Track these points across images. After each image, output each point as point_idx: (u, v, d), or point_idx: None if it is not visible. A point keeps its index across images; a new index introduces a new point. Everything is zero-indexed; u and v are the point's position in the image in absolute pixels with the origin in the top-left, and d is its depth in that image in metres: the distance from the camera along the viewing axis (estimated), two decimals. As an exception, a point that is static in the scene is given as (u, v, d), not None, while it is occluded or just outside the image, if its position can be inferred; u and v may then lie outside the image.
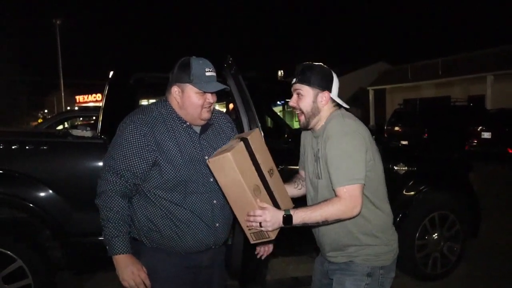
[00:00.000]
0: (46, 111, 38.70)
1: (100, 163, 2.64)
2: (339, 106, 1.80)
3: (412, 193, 3.46)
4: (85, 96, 32.62)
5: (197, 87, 1.70)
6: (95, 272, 3.60)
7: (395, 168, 3.43)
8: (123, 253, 1.66)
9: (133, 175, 1.67)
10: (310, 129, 1.84)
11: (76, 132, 3.01)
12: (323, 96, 1.74)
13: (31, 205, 2.59)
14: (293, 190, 1.98)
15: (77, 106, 30.50)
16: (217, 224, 1.79)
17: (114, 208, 1.66)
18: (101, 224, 1.68)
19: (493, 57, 18.08)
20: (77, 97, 32.96)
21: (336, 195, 1.63)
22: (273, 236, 1.65)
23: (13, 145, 2.65)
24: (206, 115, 1.76)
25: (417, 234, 3.44)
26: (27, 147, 2.66)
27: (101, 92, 3.56)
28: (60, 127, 7.67)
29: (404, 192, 3.45)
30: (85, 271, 3.26)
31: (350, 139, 1.63)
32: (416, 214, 3.45)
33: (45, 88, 35.53)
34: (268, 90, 3.71)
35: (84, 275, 3.61)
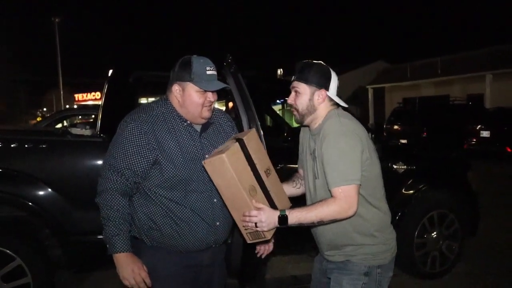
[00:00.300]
0: (45, 109, 38.64)
1: (100, 162, 2.64)
2: (337, 105, 1.80)
3: (411, 192, 3.47)
4: (84, 95, 32.56)
5: (198, 85, 1.70)
6: (94, 270, 3.60)
7: (394, 167, 3.44)
8: (123, 252, 1.66)
9: (133, 174, 1.67)
10: (306, 126, 1.84)
11: (75, 131, 3.01)
12: (320, 94, 1.74)
13: (30, 203, 2.59)
14: (292, 189, 1.99)
15: (76, 104, 30.45)
16: (217, 223, 1.79)
17: (115, 207, 1.66)
18: (102, 222, 1.68)
19: (492, 56, 18.10)
20: (76, 95, 32.90)
21: (331, 196, 1.63)
22: (269, 236, 1.66)
23: (12, 144, 2.64)
24: (206, 113, 1.76)
25: (416, 233, 3.44)
26: (26, 146, 2.65)
27: (100, 90, 3.55)
28: (59, 125, 7.68)
29: (403, 191, 3.46)
30: (84, 269, 3.26)
31: (346, 139, 1.63)
32: (415, 213, 3.45)
33: (44, 87, 35.49)
34: (267, 89, 3.71)
35: (84, 273, 3.61)
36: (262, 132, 2.56)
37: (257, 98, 2.83)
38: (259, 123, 2.60)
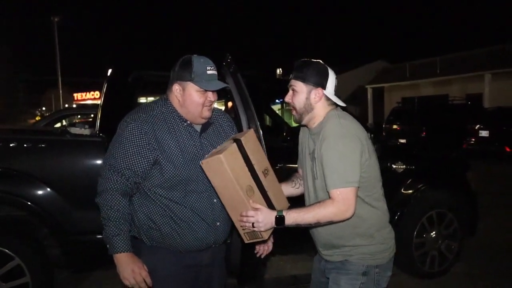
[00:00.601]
0: (44, 108, 38.59)
1: (98, 161, 2.64)
2: (335, 104, 1.79)
3: (410, 191, 3.47)
4: (83, 94, 32.53)
5: (198, 85, 1.70)
6: (93, 270, 3.60)
7: (393, 166, 3.44)
8: (124, 252, 1.65)
9: (134, 174, 1.66)
10: (305, 125, 1.85)
11: (74, 130, 3.00)
12: (316, 93, 1.74)
13: (29, 203, 2.59)
14: (291, 189, 1.99)
15: (75, 103, 30.43)
16: (217, 223, 1.79)
17: (115, 207, 1.66)
18: (102, 222, 1.68)
19: (491, 56, 18.13)
20: (75, 94, 32.87)
21: (329, 197, 1.63)
22: (266, 236, 1.67)
23: (11, 143, 2.64)
24: (207, 113, 1.76)
25: (415, 232, 3.45)
26: (25, 145, 2.65)
27: (100, 89, 3.55)
28: (58, 125, 7.66)
29: (402, 191, 3.46)
30: (83, 269, 3.26)
31: (346, 141, 1.63)
32: (414, 213, 3.46)
33: (43, 86, 35.45)
34: (267, 89, 3.71)
35: (82, 273, 3.61)
36: (261, 132, 2.56)
37: (257, 97, 2.83)
38: (258, 123, 2.60)
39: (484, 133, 11.17)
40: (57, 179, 2.64)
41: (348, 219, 1.63)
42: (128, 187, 1.68)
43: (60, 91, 23.93)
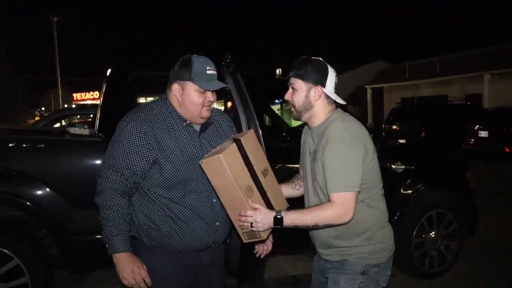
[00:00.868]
0: (43, 108, 38.55)
1: (98, 161, 2.64)
2: (335, 102, 1.79)
3: (410, 191, 3.47)
4: (83, 94, 32.51)
5: (197, 85, 1.70)
6: (92, 270, 3.60)
7: (393, 166, 3.44)
8: (123, 252, 1.65)
9: (133, 174, 1.66)
10: (306, 124, 1.84)
11: (74, 130, 2.99)
12: (316, 91, 1.73)
13: (28, 203, 2.58)
14: (291, 190, 1.98)
15: (75, 103, 30.40)
16: (217, 223, 1.79)
17: (114, 207, 1.65)
18: (101, 222, 1.67)
19: (490, 56, 18.15)
20: (74, 94, 32.84)
21: (329, 200, 1.63)
22: (264, 236, 1.68)
23: (10, 143, 2.64)
24: (206, 113, 1.76)
25: (415, 233, 3.45)
26: (24, 145, 2.64)
27: (99, 89, 3.54)
28: (58, 125, 7.65)
29: (401, 191, 3.46)
30: (82, 269, 3.25)
31: (349, 145, 1.63)
32: (413, 213, 3.45)
33: (43, 86, 35.41)
34: (266, 89, 3.71)
35: (82, 273, 3.60)
36: (260, 132, 2.56)
37: (256, 97, 2.83)
38: (257, 123, 2.60)
39: (483, 134, 11.17)
40: (56, 179, 2.63)
41: (346, 223, 1.64)
42: (127, 186, 1.68)
43: (60, 91, 23.91)
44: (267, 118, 5.27)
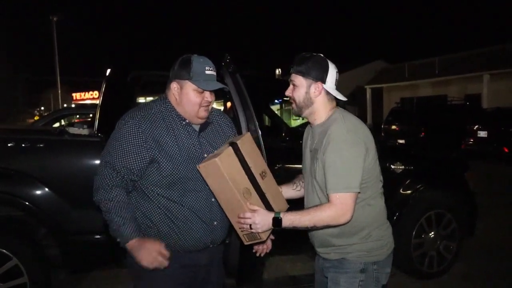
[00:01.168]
0: (42, 108, 38.51)
1: (97, 161, 2.63)
2: (336, 99, 1.78)
3: (409, 192, 3.47)
4: (82, 94, 32.49)
5: (196, 84, 1.70)
6: (91, 270, 3.60)
7: (392, 167, 3.44)
8: (132, 239, 1.64)
9: (129, 172, 1.66)
10: (308, 123, 1.84)
11: (73, 130, 2.99)
12: (316, 87, 1.73)
13: (27, 203, 2.58)
14: (291, 191, 1.98)
15: (74, 103, 30.39)
16: (215, 223, 1.79)
17: (114, 198, 1.65)
18: (105, 218, 1.67)
19: (489, 56, 18.16)
20: (74, 94, 32.83)
21: (328, 200, 1.64)
22: (264, 237, 1.69)
23: (9, 143, 2.63)
24: (203, 113, 1.76)
25: (414, 233, 3.45)
26: (23, 145, 2.64)
27: (98, 89, 3.54)
28: (57, 124, 7.65)
29: (401, 191, 3.46)
30: (81, 269, 3.25)
31: (350, 146, 1.63)
32: (412, 213, 3.45)
33: (42, 85, 35.38)
34: (266, 89, 3.70)
35: (80, 273, 3.60)
36: (260, 132, 2.56)
37: (256, 98, 2.83)
38: (257, 123, 2.60)
39: (482, 134, 11.17)
40: (55, 179, 2.63)
41: (344, 224, 1.64)
42: (123, 183, 1.68)
43: (59, 91, 23.89)
44: (266, 118, 5.26)
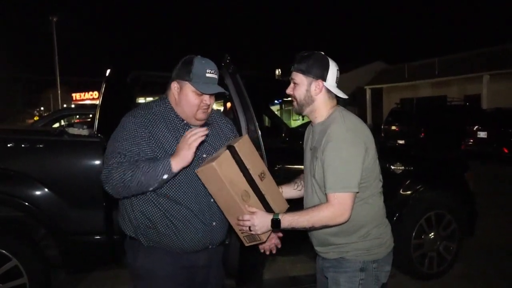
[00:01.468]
0: (42, 108, 38.49)
1: (97, 162, 2.63)
2: (336, 97, 1.78)
3: (409, 192, 3.47)
4: (82, 94, 32.50)
5: (195, 86, 1.70)
6: (91, 271, 3.59)
7: (392, 167, 3.44)
8: (169, 160, 1.59)
9: (136, 155, 1.64)
10: (305, 116, 1.84)
11: (73, 130, 2.99)
12: (317, 85, 1.73)
13: (27, 204, 2.57)
14: (292, 191, 1.98)
15: (74, 104, 30.39)
16: (214, 223, 1.79)
17: (128, 170, 1.58)
18: (139, 186, 1.59)
19: (489, 57, 18.17)
20: (73, 94, 32.82)
21: (327, 200, 1.64)
22: (264, 238, 1.71)
23: (9, 143, 2.63)
24: (201, 115, 1.76)
25: (414, 233, 3.44)
26: (22, 145, 2.64)
27: (98, 90, 3.54)
28: (57, 125, 7.64)
29: (400, 192, 3.46)
30: (80, 270, 3.25)
31: (350, 146, 1.63)
32: (412, 214, 3.45)
33: (42, 86, 35.36)
34: (266, 89, 3.70)
35: (80, 274, 3.60)
36: (260, 133, 2.56)
37: (256, 98, 2.83)
38: (257, 124, 2.60)
39: (482, 134, 11.17)
40: (55, 180, 2.63)
41: (342, 223, 1.64)
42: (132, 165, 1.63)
43: (59, 91, 23.90)
44: (266, 119, 5.27)
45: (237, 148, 1.66)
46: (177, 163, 1.60)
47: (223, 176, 1.60)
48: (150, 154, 1.66)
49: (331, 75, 1.73)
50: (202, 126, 1.81)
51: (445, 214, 3.55)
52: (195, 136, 1.59)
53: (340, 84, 1.79)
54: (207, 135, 1.81)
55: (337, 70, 1.77)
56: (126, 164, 1.60)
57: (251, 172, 1.70)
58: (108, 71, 3.01)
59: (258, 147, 2.49)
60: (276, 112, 6.69)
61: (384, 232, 1.79)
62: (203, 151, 1.76)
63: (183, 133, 1.74)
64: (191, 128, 1.77)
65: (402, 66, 22.90)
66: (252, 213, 1.65)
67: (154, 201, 1.71)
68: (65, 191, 2.63)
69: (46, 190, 2.59)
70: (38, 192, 2.59)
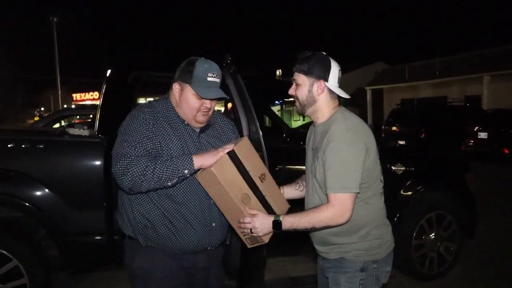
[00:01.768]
0: (42, 109, 38.52)
1: (97, 162, 2.63)
2: (338, 97, 1.78)
3: (410, 193, 3.47)
4: (82, 94, 32.51)
5: (195, 90, 1.69)
6: (91, 271, 3.59)
7: (393, 168, 3.44)
8: (192, 159, 1.60)
9: (146, 145, 1.64)
10: (307, 117, 1.84)
11: (73, 131, 2.98)
12: (319, 86, 1.73)
13: (27, 204, 2.57)
14: (294, 192, 1.99)
15: (74, 104, 30.39)
16: (213, 224, 1.79)
17: (149, 164, 1.56)
18: (158, 183, 1.58)
19: (489, 58, 18.16)
20: (74, 95, 32.83)
21: (327, 200, 1.64)
22: (266, 240, 1.72)
23: (9, 144, 2.63)
24: (201, 118, 1.75)
25: (414, 234, 3.44)
26: (23, 146, 2.64)
27: (99, 90, 3.53)
28: (57, 125, 7.64)
29: (401, 192, 3.45)
30: (81, 270, 3.24)
31: (350, 147, 1.63)
32: (413, 214, 3.45)
33: (42, 86, 35.39)
34: (266, 90, 3.70)
35: (80, 274, 3.59)
36: (261, 133, 2.56)
37: (256, 99, 2.83)
38: (258, 124, 2.60)
39: (483, 135, 11.17)
40: (55, 180, 2.62)
41: (343, 224, 1.64)
42: (147, 153, 1.62)
43: (59, 92, 23.89)
44: (267, 119, 5.27)
45: (236, 151, 1.66)
46: (199, 161, 1.60)
47: (222, 180, 1.60)
48: (158, 148, 1.66)
49: (333, 76, 1.74)
50: (204, 128, 1.81)
51: (446, 214, 3.55)
52: (219, 153, 1.62)
53: (341, 84, 1.79)
54: (207, 135, 1.82)
55: (339, 70, 1.77)
56: (145, 158, 1.58)
57: (251, 174, 1.70)
58: (109, 71, 3.01)
59: (259, 148, 2.49)
60: (276, 113, 6.69)
61: (385, 233, 1.79)
62: (204, 150, 1.75)
63: (185, 133, 1.75)
64: (191, 128, 1.77)
65: (403, 67, 22.89)
66: (253, 215, 1.66)
67: (153, 201, 1.71)
68: (66, 192, 2.63)
69: (46, 190, 2.59)
70: (38, 193, 2.59)
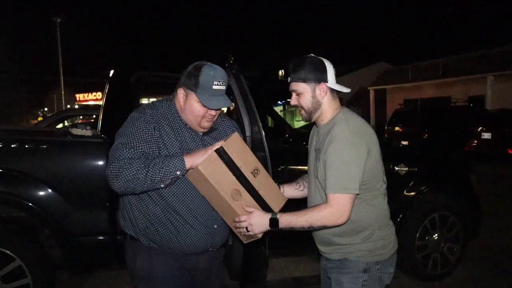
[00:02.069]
0: (46, 109, 38.68)
1: (100, 162, 2.64)
2: (339, 96, 1.77)
3: (413, 193, 3.45)
4: (86, 95, 32.59)
5: (199, 99, 1.67)
6: (94, 271, 3.60)
7: (396, 168, 3.43)
8: (183, 159, 1.59)
9: (145, 149, 1.63)
10: (314, 122, 1.83)
11: (76, 131, 2.99)
12: (321, 88, 1.72)
13: (30, 204, 2.58)
14: (294, 191, 1.98)
15: (78, 104, 30.49)
16: (215, 226, 1.78)
17: (141, 167, 1.55)
18: (151, 185, 1.58)
19: (493, 58, 18.08)
20: (77, 95, 32.93)
21: (326, 200, 1.63)
22: (260, 235, 1.70)
23: (13, 144, 2.64)
24: (205, 124, 1.75)
25: (417, 235, 3.43)
26: (26, 146, 2.64)
27: (102, 90, 3.54)
28: (60, 125, 7.67)
29: (404, 193, 3.45)
30: (84, 270, 3.25)
31: (351, 148, 1.62)
32: (416, 215, 3.44)
33: (45, 86, 35.52)
34: (269, 90, 3.70)
35: (83, 274, 3.60)
36: (263, 133, 2.56)
37: (259, 99, 2.83)
38: (260, 124, 2.60)
39: (486, 135, 11.12)
40: (58, 180, 2.63)
41: (341, 225, 1.63)
42: (142, 157, 1.61)
43: (62, 92, 24.00)
44: (269, 119, 5.26)
45: (225, 147, 1.65)
46: (189, 161, 1.60)
47: (210, 177, 1.59)
48: (156, 152, 1.65)
49: (330, 74, 1.73)
50: (207, 131, 1.80)
51: (449, 215, 3.54)
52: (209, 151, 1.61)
53: (343, 84, 1.79)
54: (210, 137, 1.81)
55: (333, 67, 1.75)
56: (138, 161, 1.57)
57: (242, 169, 1.68)
58: (112, 71, 3.02)
59: (261, 148, 2.49)
60: (279, 113, 6.68)
61: (388, 234, 1.78)
62: None
63: (187, 135, 1.74)
64: (195, 132, 1.77)
65: (406, 67, 22.83)
66: (249, 213, 1.65)
67: (154, 202, 1.71)
68: (69, 192, 2.64)
69: (49, 190, 2.60)
70: (41, 193, 2.59)
